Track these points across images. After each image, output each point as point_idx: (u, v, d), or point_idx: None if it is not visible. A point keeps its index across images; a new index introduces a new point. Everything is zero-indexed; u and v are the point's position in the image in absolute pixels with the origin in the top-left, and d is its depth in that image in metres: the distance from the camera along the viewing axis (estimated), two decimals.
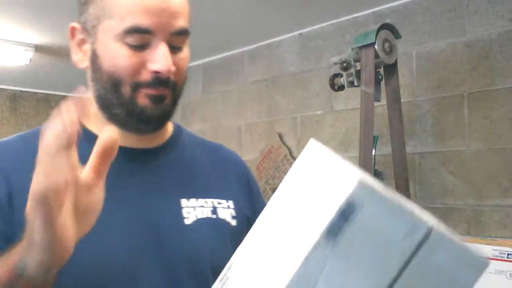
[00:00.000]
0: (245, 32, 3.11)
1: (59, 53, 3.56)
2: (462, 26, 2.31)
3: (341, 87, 2.21)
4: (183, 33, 0.73)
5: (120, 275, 0.69)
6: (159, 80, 0.71)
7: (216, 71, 3.64)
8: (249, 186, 0.89)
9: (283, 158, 3.08)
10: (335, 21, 2.86)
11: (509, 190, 2.11)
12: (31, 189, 0.47)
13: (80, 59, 0.76)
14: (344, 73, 2.15)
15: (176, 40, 0.72)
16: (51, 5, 2.64)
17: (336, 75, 2.22)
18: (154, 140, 0.80)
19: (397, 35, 2.10)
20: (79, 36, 0.76)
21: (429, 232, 0.48)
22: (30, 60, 3.47)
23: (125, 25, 0.68)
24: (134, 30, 0.69)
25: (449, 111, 2.32)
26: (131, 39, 0.69)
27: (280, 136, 3.12)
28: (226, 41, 3.31)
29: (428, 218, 0.49)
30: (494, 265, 1.48)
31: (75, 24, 0.76)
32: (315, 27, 2.98)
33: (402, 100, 2.19)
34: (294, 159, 3.02)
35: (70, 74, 4.72)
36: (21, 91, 4.99)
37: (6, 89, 4.90)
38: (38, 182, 0.47)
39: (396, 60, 2.12)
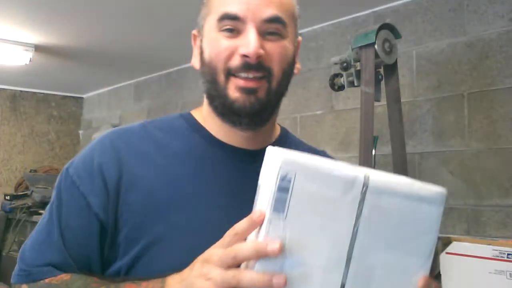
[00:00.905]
0: None
1: (59, 53, 3.56)
2: (462, 26, 2.31)
3: (341, 87, 2.21)
4: (274, 20, 0.73)
5: None
6: (248, 65, 0.72)
7: None
8: None
9: None
10: (335, 21, 2.86)
11: (509, 190, 2.11)
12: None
13: (196, 61, 0.81)
14: (344, 73, 2.15)
15: (269, 27, 0.74)
16: (51, 5, 2.64)
17: (336, 75, 2.22)
18: (262, 142, 0.81)
19: (397, 35, 2.10)
20: (198, 41, 0.81)
21: (366, 181, 0.55)
22: (30, 60, 3.47)
23: (218, 14, 0.73)
24: (224, 17, 0.73)
25: (449, 111, 2.32)
26: (222, 26, 0.73)
27: None
28: None
29: (364, 170, 0.55)
30: (494, 265, 1.48)
31: (194, 31, 0.82)
32: (315, 27, 2.98)
33: (402, 100, 2.19)
34: None
35: (70, 74, 4.72)
36: (21, 91, 4.99)
37: (6, 89, 4.90)
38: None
39: (396, 60, 2.12)
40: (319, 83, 2.93)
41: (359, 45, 2.02)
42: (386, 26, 2.06)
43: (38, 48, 3.40)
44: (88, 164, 0.74)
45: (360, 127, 2.01)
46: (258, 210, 0.54)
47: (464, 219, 2.24)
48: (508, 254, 1.46)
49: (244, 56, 0.72)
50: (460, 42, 2.31)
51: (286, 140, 0.87)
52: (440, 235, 2.28)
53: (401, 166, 2.12)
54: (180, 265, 0.64)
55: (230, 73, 0.73)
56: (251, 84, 0.73)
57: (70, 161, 0.77)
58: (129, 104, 4.60)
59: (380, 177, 0.55)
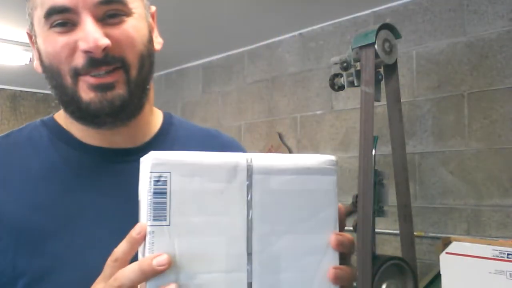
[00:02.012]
0: (245, 32, 3.11)
1: None
2: (462, 26, 2.31)
3: (341, 87, 2.22)
4: (109, 1, 0.62)
5: None
6: (94, 61, 0.61)
7: (216, 71, 3.64)
8: None
9: None
10: (335, 21, 2.86)
11: (509, 190, 2.11)
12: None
13: (38, 64, 0.67)
14: (344, 73, 2.15)
15: (108, 10, 0.62)
16: None
17: (336, 75, 2.22)
18: (139, 137, 0.70)
19: (397, 35, 2.10)
20: (34, 41, 0.67)
21: (250, 164, 0.50)
22: (30, 60, 3.47)
23: (44, 9, 0.61)
24: (52, 12, 0.61)
25: (449, 111, 2.32)
26: (52, 22, 0.61)
27: (280, 136, 3.12)
28: (226, 41, 3.31)
29: (246, 154, 0.50)
30: (494, 265, 1.48)
31: (28, 30, 0.68)
32: (315, 27, 2.98)
33: (402, 100, 2.19)
34: None
35: None
36: (21, 91, 4.99)
37: (6, 89, 4.90)
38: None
39: (396, 60, 2.12)
40: (319, 83, 2.93)
41: (359, 45, 2.02)
42: (386, 26, 2.06)
43: None
44: None
45: (360, 127, 2.01)
46: (138, 225, 0.47)
47: (464, 219, 2.24)
48: (508, 254, 1.46)
49: (87, 52, 0.60)
50: (460, 42, 2.31)
51: (169, 128, 0.76)
52: (440, 235, 2.29)
53: (401, 166, 2.12)
54: None
55: (77, 73, 0.62)
56: (105, 80, 0.62)
57: None
58: None
59: (264, 158, 0.50)
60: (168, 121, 0.76)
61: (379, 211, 2.18)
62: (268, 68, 3.27)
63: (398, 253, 2.15)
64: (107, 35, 0.61)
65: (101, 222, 0.63)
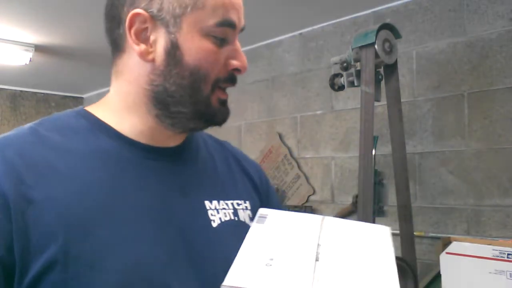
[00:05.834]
0: (245, 32, 3.10)
1: (59, 53, 3.56)
2: (462, 26, 2.31)
3: (341, 87, 2.21)
4: (242, 30, 0.73)
5: (151, 286, 0.62)
6: (234, 77, 0.70)
7: None
8: (260, 183, 0.86)
9: (283, 158, 3.08)
10: (335, 21, 2.86)
11: (509, 190, 2.11)
12: None
13: (145, 50, 0.67)
14: (344, 73, 2.15)
15: None
16: (51, 5, 2.64)
17: (336, 75, 2.22)
18: (176, 139, 0.75)
19: (397, 35, 2.10)
20: (141, 24, 0.67)
21: None
22: (30, 60, 3.47)
23: (217, 18, 0.66)
24: (225, 24, 0.67)
25: (449, 111, 2.32)
26: (220, 33, 0.67)
27: (280, 136, 3.12)
28: None
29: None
30: (494, 265, 1.48)
31: (139, 10, 0.66)
32: (315, 27, 2.98)
33: (402, 100, 2.18)
34: (294, 159, 3.02)
35: (70, 74, 4.72)
36: (21, 91, 4.99)
37: (6, 89, 4.90)
38: None
39: (396, 60, 2.11)
40: (319, 83, 2.93)
41: (359, 45, 2.02)
42: (386, 26, 2.06)
43: (38, 48, 3.40)
44: None
45: (360, 127, 2.01)
46: None
47: (464, 219, 2.24)
48: (508, 254, 1.46)
49: (235, 69, 0.69)
50: (460, 42, 2.31)
51: (195, 134, 0.83)
52: (440, 235, 2.29)
53: (401, 166, 2.12)
54: (117, 285, 0.59)
55: (216, 84, 0.69)
56: (226, 96, 0.71)
57: None
58: None
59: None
60: None
61: (379, 211, 2.18)
62: (268, 68, 3.27)
63: (398, 253, 2.15)
64: None
65: (143, 214, 0.65)
